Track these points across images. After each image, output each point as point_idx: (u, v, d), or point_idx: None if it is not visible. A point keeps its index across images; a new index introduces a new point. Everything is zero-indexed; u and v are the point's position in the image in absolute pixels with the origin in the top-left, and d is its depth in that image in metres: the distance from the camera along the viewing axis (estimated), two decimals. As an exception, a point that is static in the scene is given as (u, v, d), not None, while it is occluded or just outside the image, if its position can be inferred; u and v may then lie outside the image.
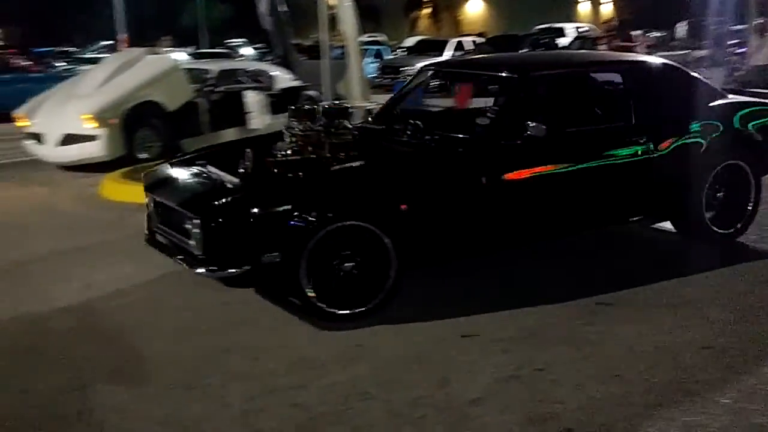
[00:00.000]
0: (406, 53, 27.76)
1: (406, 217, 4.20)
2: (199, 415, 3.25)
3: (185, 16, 43.08)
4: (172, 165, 5.15)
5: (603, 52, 13.38)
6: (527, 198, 4.65)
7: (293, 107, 5.01)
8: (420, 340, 3.97)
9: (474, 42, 26.19)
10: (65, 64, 23.09)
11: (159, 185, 4.94)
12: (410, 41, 31.36)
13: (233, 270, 4.06)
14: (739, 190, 5.52)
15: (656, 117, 5.14)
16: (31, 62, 20.18)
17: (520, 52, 18.50)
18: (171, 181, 4.88)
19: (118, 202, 7.72)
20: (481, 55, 16.66)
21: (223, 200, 4.13)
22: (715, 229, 5.46)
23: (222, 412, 3.27)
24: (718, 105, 5.58)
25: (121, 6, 22.01)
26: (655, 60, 6.07)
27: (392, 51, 29.42)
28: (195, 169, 4.85)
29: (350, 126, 4.96)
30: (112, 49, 26.47)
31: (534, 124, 4.45)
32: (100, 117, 9.26)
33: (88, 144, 9.32)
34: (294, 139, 4.66)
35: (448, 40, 27.11)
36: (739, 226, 5.58)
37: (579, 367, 3.58)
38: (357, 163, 4.52)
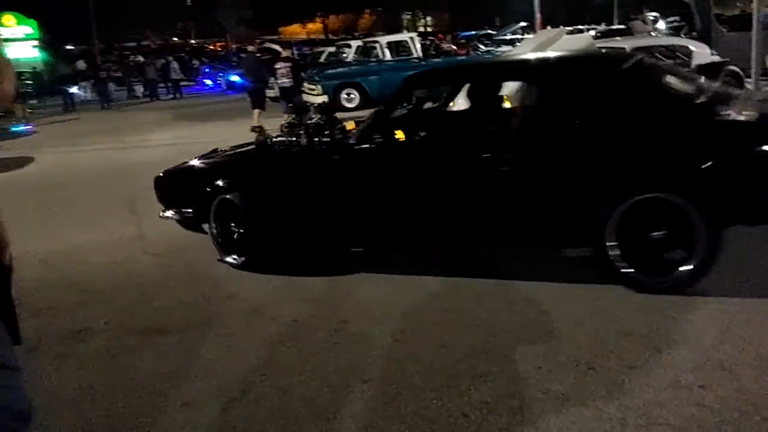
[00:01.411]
0: None
1: None
2: (603, 397, 3.29)
3: (599, -8, 42.39)
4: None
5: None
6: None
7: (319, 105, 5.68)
8: None
9: None
10: (487, 46, 24.58)
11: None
12: None
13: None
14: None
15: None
16: (456, 46, 21.95)
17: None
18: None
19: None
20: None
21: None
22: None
23: (622, 398, 3.27)
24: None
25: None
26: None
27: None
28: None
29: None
30: (528, 30, 27.48)
31: None
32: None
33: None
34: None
35: None
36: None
37: None
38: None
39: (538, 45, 10.58)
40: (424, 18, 71.10)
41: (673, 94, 4.91)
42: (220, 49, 55.12)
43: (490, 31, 33.85)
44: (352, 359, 3.92)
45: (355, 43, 20.87)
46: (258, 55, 17.47)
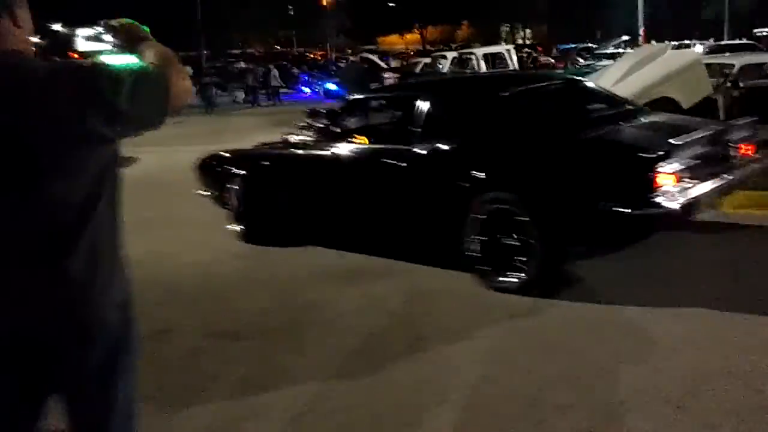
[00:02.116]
0: None
1: None
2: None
3: (708, 8, 40.87)
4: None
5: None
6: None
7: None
8: None
9: None
10: (586, 60, 23.98)
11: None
12: None
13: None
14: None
15: None
16: (554, 59, 21.49)
17: None
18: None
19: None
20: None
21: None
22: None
23: None
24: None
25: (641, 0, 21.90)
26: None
27: None
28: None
29: None
30: (631, 44, 26.66)
31: None
32: (614, 113, 9.37)
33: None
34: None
35: None
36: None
37: None
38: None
39: (639, 60, 10.17)
40: (523, 30, 70.29)
41: (534, 118, 5.53)
42: (319, 58, 56.10)
43: (590, 45, 33.02)
44: (427, 378, 3.79)
45: (451, 55, 20.75)
46: (361, 64, 17.74)
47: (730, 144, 5.26)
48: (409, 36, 75.06)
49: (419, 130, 5.54)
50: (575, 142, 5.09)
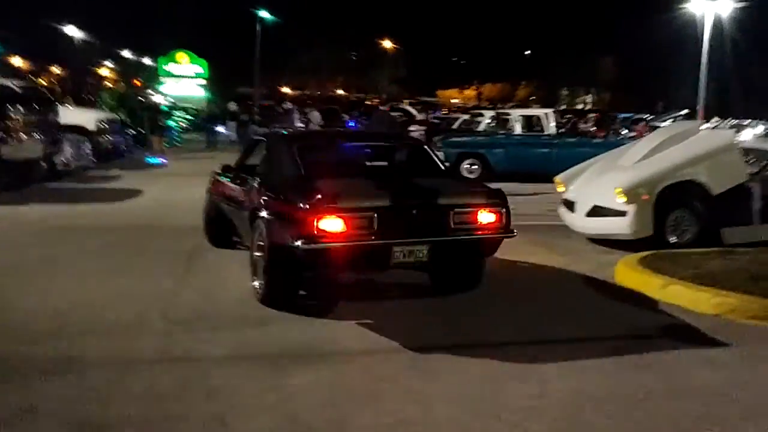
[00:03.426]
0: None
1: None
2: None
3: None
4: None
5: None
6: None
7: None
8: None
9: None
10: (631, 131, 23.04)
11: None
12: None
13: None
14: None
15: None
16: (595, 127, 20.61)
17: None
18: None
19: (631, 291, 6.85)
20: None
21: None
22: None
23: None
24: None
25: (704, 73, 20.89)
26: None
27: None
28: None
29: None
30: (688, 118, 25.61)
31: None
32: (632, 192, 8.49)
33: (614, 219, 8.65)
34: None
35: None
36: None
37: None
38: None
39: (668, 138, 9.32)
40: (586, 95, 69.40)
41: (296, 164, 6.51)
42: (374, 104, 56.21)
43: (644, 116, 32.01)
44: None
45: (489, 113, 20.08)
46: (392, 113, 17.37)
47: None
48: (467, 91, 74.97)
49: (259, 166, 7.39)
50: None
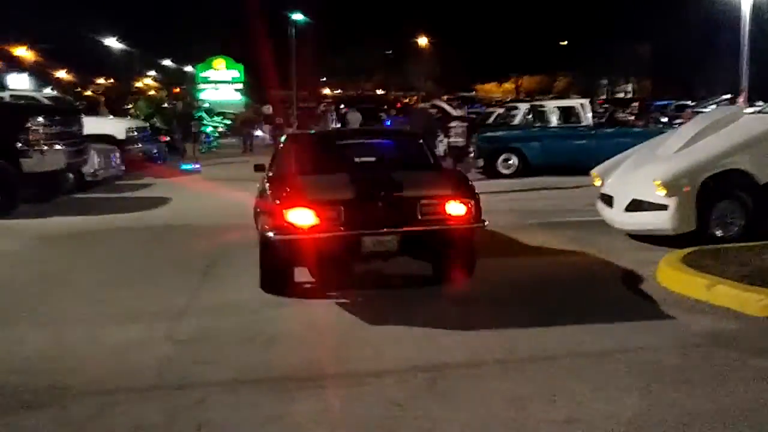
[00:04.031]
0: None
1: None
2: None
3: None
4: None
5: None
6: None
7: None
8: None
9: None
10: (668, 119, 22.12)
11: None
12: None
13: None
14: None
15: None
16: (633, 116, 19.83)
17: None
18: None
19: (673, 292, 6.31)
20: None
21: None
22: None
23: None
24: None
25: (746, 55, 19.98)
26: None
27: None
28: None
29: None
30: (730, 104, 24.57)
31: None
32: (672, 184, 7.91)
33: (654, 213, 8.09)
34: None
35: None
36: None
37: None
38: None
39: (709, 125, 8.70)
40: (625, 84, 67.85)
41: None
42: (412, 102, 55.70)
43: (687, 102, 30.88)
44: None
45: (524, 106, 19.45)
46: (431, 111, 17.11)
47: None
48: (506, 84, 73.92)
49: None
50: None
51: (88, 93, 49.18)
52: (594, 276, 7.19)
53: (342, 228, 6.01)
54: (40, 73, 59.95)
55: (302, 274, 6.64)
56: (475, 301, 6.25)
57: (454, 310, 6.01)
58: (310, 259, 6.36)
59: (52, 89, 43.39)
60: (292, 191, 6.18)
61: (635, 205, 8.34)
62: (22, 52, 58.00)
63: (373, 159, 7.60)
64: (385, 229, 6.12)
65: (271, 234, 6.01)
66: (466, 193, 6.42)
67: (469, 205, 6.29)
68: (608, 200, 8.91)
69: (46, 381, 4.52)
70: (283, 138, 8.58)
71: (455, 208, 6.25)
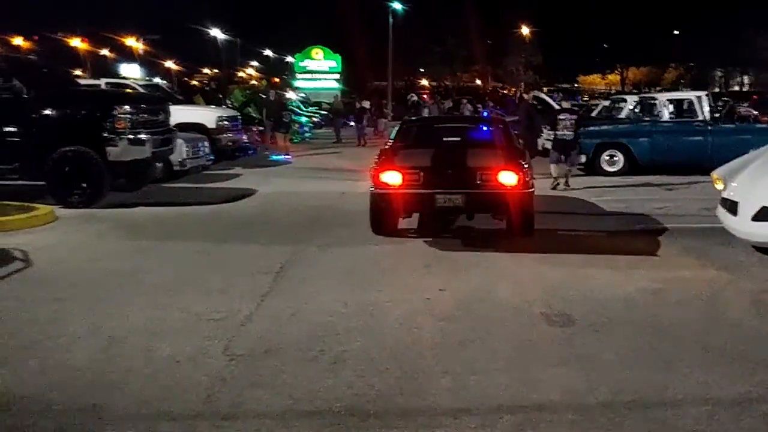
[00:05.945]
0: None
1: None
2: None
3: None
4: None
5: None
6: None
7: None
8: None
9: None
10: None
11: None
12: None
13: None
14: None
15: None
16: (757, 111, 18.12)
17: None
18: None
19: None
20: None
21: None
22: None
23: None
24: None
25: None
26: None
27: None
28: None
29: None
30: None
31: None
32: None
33: (788, 225, 6.99)
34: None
35: None
36: None
37: None
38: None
39: None
40: (741, 76, 63.92)
41: None
42: (511, 94, 54.33)
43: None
44: None
45: (632, 98, 18.10)
46: (534, 103, 16.53)
47: None
48: (611, 76, 71.13)
49: None
50: None
51: (195, 82, 50.36)
52: (711, 296, 6.17)
53: (420, 187, 8.03)
54: (150, 63, 62.09)
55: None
56: (574, 323, 5.41)
57: (551, 332, 5.21)
58: (399, 208, 8.38)
59: (162, 78, 44.61)
60: (388, 159, 8.39)
61: (766, 214, 7.25)
62: (132, 42, 60.10)
63: (458, 139, 9.46)
64: (452, 190, 7.98)
65: (372, 189, 8.24)
66: (516, 166, 8.10)
67: (518, 175, 7.95)
68: (732, 207, 7.81)
69: (86, 399, 4.05)
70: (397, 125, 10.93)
71: (506, 177, 7.96)
